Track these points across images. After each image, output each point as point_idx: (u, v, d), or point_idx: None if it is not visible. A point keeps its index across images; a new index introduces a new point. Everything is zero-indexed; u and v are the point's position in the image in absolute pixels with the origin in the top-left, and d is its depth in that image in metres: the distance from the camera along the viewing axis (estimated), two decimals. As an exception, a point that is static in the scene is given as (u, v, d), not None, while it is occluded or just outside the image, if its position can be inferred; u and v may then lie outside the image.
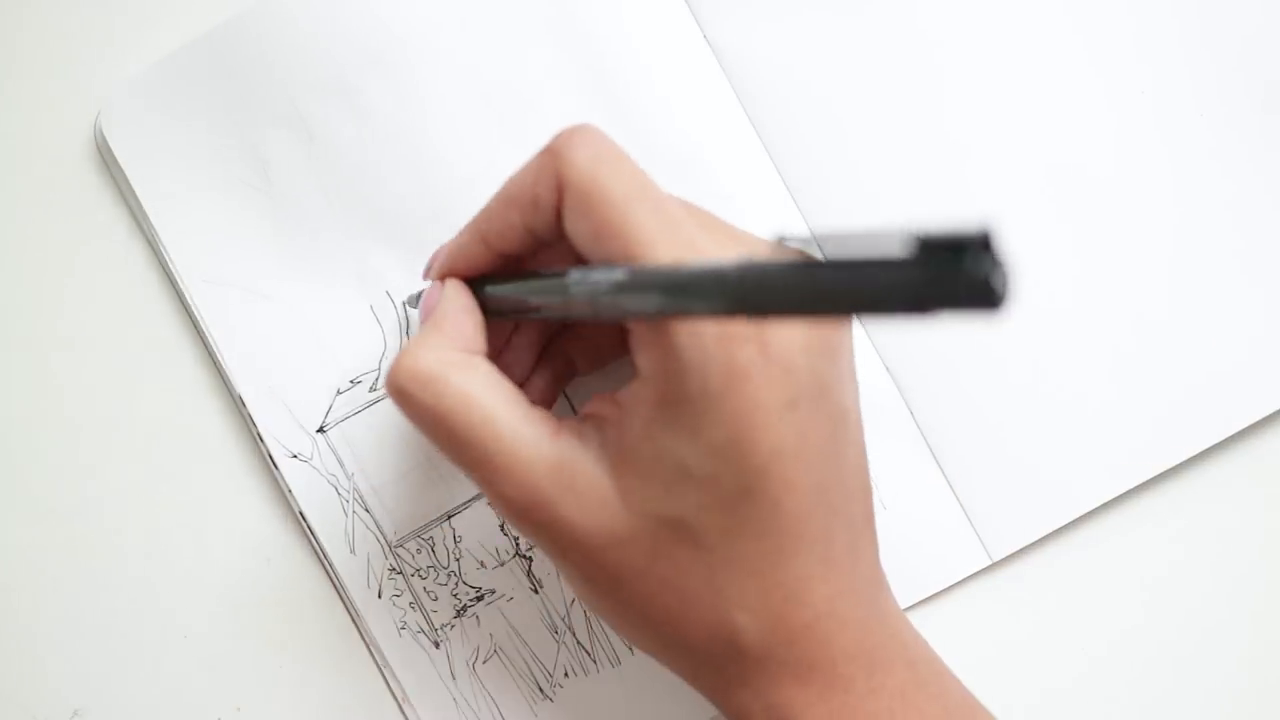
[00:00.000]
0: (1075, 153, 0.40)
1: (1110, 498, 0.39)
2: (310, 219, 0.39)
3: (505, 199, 0.32)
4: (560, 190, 0.30)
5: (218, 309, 0.38)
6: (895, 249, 0.21)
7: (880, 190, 0.39)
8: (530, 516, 0.31)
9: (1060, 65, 0.40)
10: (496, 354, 0.35)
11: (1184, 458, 0.39)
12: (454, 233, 0.38)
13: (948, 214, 0.39)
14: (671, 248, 0.29)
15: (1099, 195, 0.40)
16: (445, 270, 0.34)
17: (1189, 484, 0.39)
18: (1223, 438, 0.39)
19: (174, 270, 0.39)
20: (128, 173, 0.39)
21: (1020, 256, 0.39)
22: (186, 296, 0.39)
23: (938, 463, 0.39)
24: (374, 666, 0.39)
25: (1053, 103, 0.40)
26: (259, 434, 0.38)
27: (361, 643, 0.39)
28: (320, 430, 0.38)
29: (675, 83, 0.39)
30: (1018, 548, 0.39)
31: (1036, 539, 0.39)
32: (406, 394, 0.31)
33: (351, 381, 0.39)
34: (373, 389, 0.39)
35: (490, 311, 0.33)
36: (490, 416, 0.30)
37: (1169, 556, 0.40)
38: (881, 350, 0.39)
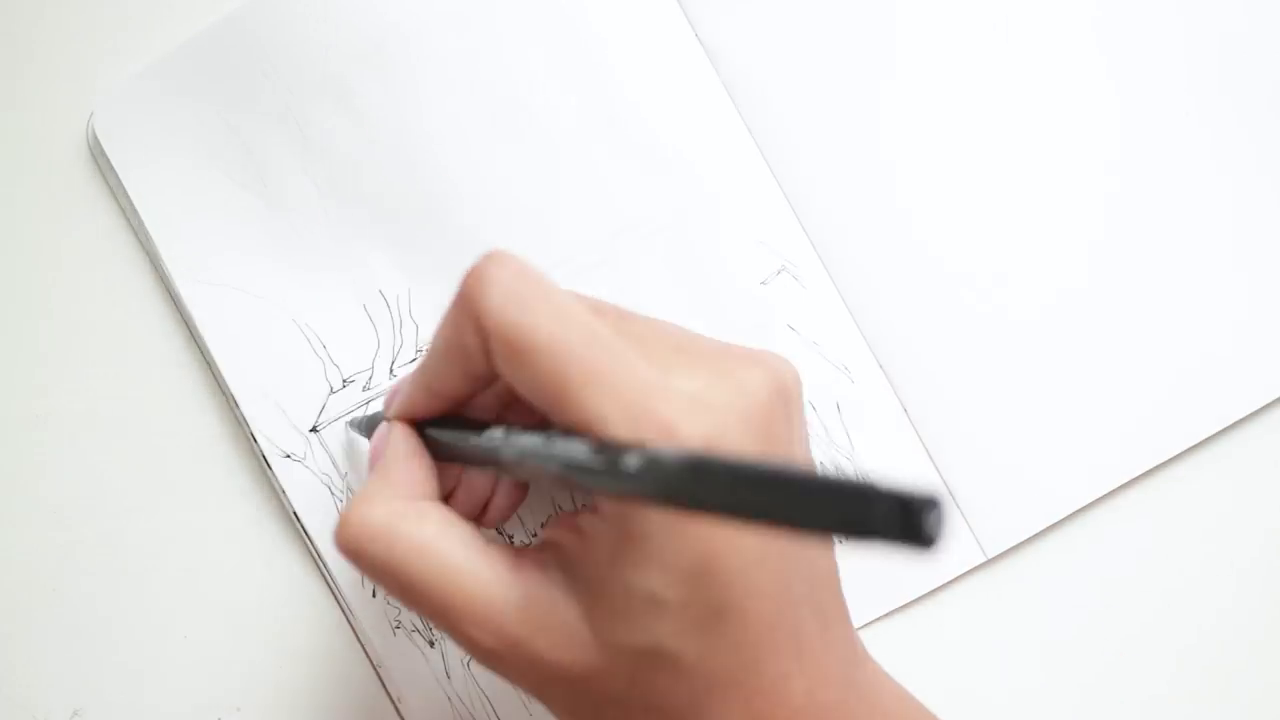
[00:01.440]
0: (1067, 152, 0.39)
1: (1104, 493, 0.39)
2: (304, 219, 0.39)
3: (437, 350, 0.31)
4: (485, 338, 0.29)
5: (211, 309, 0.39)
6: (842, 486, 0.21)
7: (873, 189, 0.39)
8: (503, 660, 0.30)
9: (1052, 63, 0.40)
10: (453, 484, 0.34)
11: (1177, 452, 0.39)
12: (447, 233, 0.38)
13: (941, 218, 0.39)
14: (616, 398, 0.28)
15: (1093, 194, 0.39)
16: (395, 414, 0.33)
17: (1184, 479, 0.39)
18: (1215, 432, 0.39)
19: (167, 271, 0.39)
20: (120, 173, 0.39)
21: (1016, 256, 0.39)
22: (179, 297, 0.39)
23: (932, 459, 0.39)
24: (369, 666, 0.39)
25: (1046, 101, 0.40)
26: (252, 434, 0.38)
27: (356, 642, 0.39)
28: (313, 430, 0.39)
29: (667, 82, 0.39)
30: (1012, 544, 0.39)
31: (1031, 535, 0.39)
32: (357, 550, 0.30)
33: (344, 381, 0.39)
34: (366, 389, 0.39)
35: (442, 457, 0.33)
36: (447, 564, 0.30)
37: (1164, 552, 0.39)
38: (874, 347, 0.39)
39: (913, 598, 0.39)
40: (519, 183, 0.39)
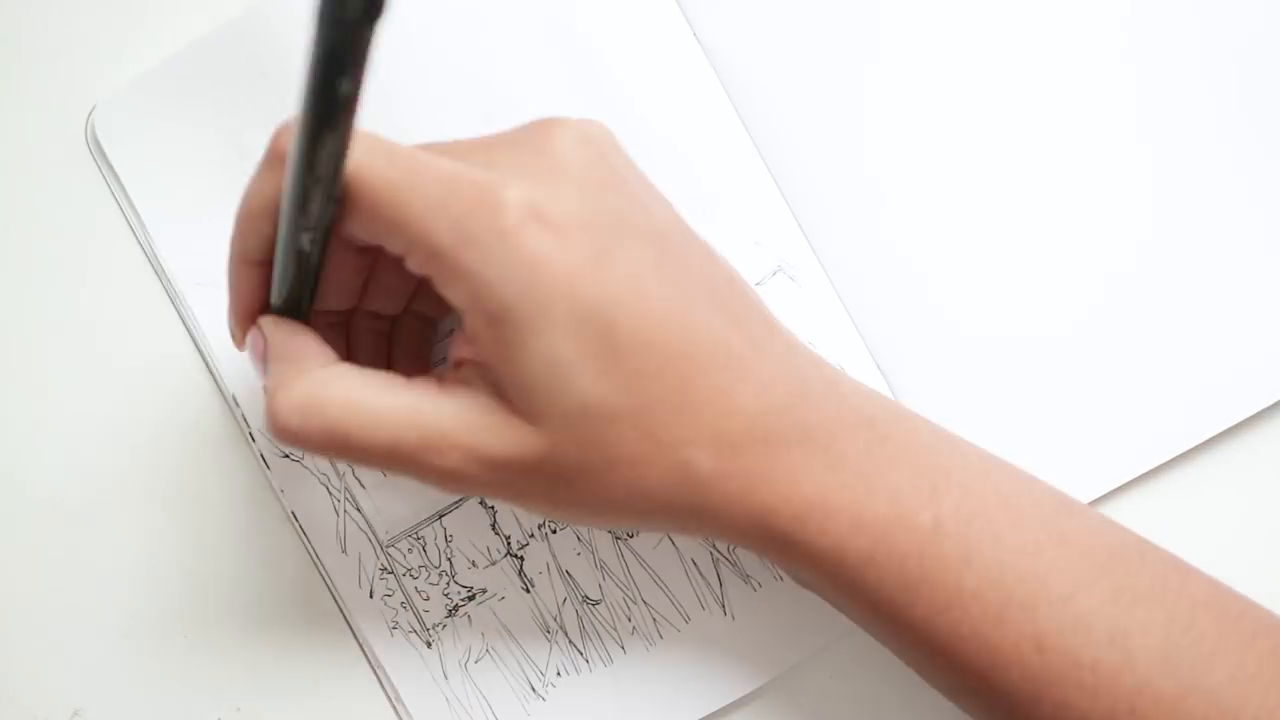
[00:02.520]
0: (1065, 152, 0.39)
1: (1103, 494, 0.39)
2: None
3: (251, 214, 0.32)
4: None
5: (210, 310, 0.39)
6: None
7: (870, 189, 0.39)
8: (467, 475, 0.31)
9: (1048, 60, 0.40)
10: (350, 352, 0.35)
11: (1178, 453, 0.39)
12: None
13: (936, 208, 0.39)
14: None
15: (1091, 194, 0.39)
16: (242, 315, 0.33)
17: (1184, 480, 0.39)
18: (1218, 433, 0.39)
19: (166, 271, 0.39)
20: (120, 176, 0.39)
21: (1014, 256, 0.39)
22: (178, 298, 0.39)
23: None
24: (367, 666, 0.39)
25: (1045, 98, 0.39)
26: (250, 434, 0.39)
27: (355, 643, 0.39)
28: (311, 430, 0.39)
29: (665, 81, 0.39)
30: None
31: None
32: (292, 430, 0.31)
33: (342, 381, 0.39)
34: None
35: (295, 313, 0.33)
36: (380, 411, 0.31)
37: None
38: (871, 347, 0.39)
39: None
40: (516, 184, 0.39)
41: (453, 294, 0.30)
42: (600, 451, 0.30)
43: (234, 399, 0.39)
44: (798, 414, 0.31)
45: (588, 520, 0.33)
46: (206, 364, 0.39)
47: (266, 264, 0.32)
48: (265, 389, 0.32)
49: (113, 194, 0.39)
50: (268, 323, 0.33)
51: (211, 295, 0.39)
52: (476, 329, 0.30)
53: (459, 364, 0.31)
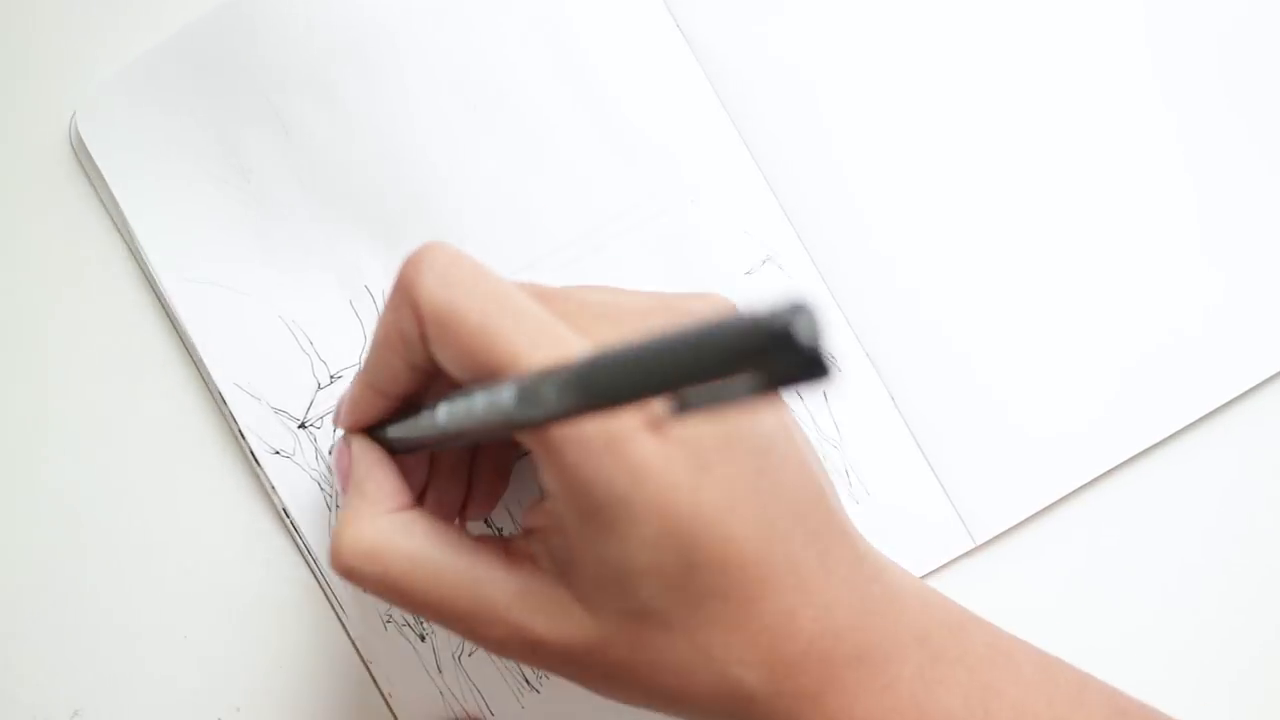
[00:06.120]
0: (1051, 139, 0.39)
1: (1092, 479, 0.39)
2: (287, 214, 0.39)
3: (379, 344, 0.32)
4: (420, 322, 0.30)
5: (196, 306, 0.39)
6: (730, 325, 0.21)
7: (857, 178, 0.39)
8: (511, 648, 0.31)
9: (1031, 49, 0.40)
10: (425, 483, 0.35)
11: (1166, 437, 0.39)
12: (431, 226, 0.38)
13: (935, 200, 0.39)
14: (540, 355, 0.28)
15: (1078, 182, 0.39)
16: (349, 424, 0.34)
17: (1173, 464, 0.39)
18: (1204, 416, 0.39)
19: (151, 268, 0.39)
20: (103, 171, 0.39)
21: (1002, 243, 0.39)
22: (164, 294, 0.39)
23: (919, 447, 0.39)
24: (360, 661, 0.39)
25: (1028, 89, 0.40)
26: (240, 432, 0.39)
27: (347, 638, 0.39)
28: (302, 426, 0.39)
29: (651, 73, 0.39)
30: (1001, 530, 0.39)
31: (1020, 521, 0.39)
32: (354, 572, 0.31)
33: (332, 377, 0.39)
34: (352, 384, 0.39)
35: (402, 451, 0.33)
36: (441, 572, 0.31)
37: (1153, 537, 0.39)
38: (860, 336, 0.39)
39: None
40: (503, 176, 0.39)
41: (548, 476, 0.29)
42: (649, 655, 0.30)
43: (222, 396, 0.39)
44: (856, 636, 0.30)
45: (625, 702, 0.32)
46: (194, 361, 0.39)
47: (388, 396, 0.32)
48: (337, 513, 0.32)
49: (96, 190, 0.39)
50: (359, 446, 0.33)
51: (197, 290, 0.39)
52: (559, 512, 0.29)
53: (527, 532, 0.31)
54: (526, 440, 0.30)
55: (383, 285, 0.39)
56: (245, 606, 0.39)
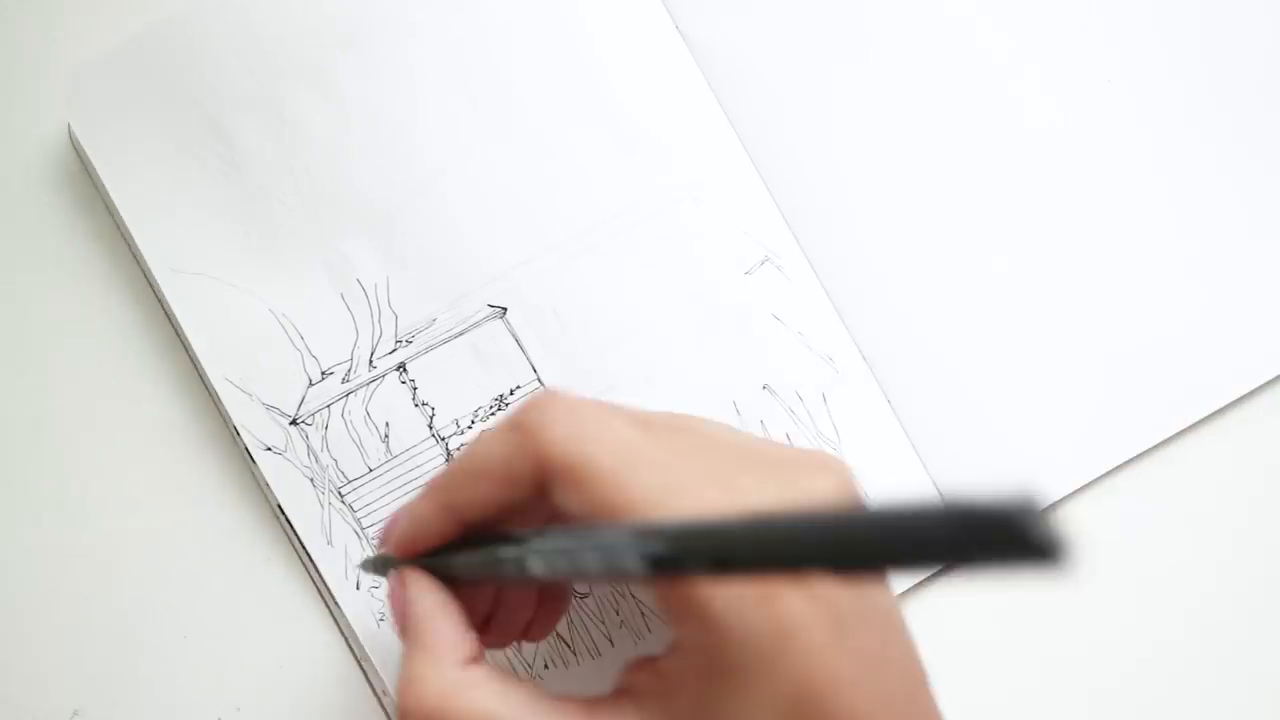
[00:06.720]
0: (1048, 141, 0.39)
1: (1089, 481, 0.39)
2: (280, 206, 0.39)
3: (473, 472, 0.31)
4: (541, 468, 0.29)
5: (189, 299, 0.38)
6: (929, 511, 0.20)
7: (855, 179, 0.39)
8: None
9: (1029, 53, 0.39)
10: (489, 613, 0.34)
11: (1162, 439, 0.38)
12: (425, 222, 0.38)
13: (929, 223, 0.39)
14: (678, 509, 0.27)
15: (1074, 184, 0.39)
16: (406, 545, 0.32)
17: (1168, 466, 0.39)
18: (1200, 419, 0.38)
19: (144, 260, 0.39)
20: (95, 162, 0.38)
21: (999, 246, 0.39)
22: (157, 286, 0.39)
23: (915, 449, 0.39)
24: (353, 660, 0.39)
25: (1025, 89, 0.39)
26: (234, 427, 0.39)
27: (341, 636, 0.39)
28: (294, 422, 0.39)
29: (650, 72, 0.39)
30: (1000, 533, 0.38)
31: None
32: None
33: (323, 373, 0.39)
34: (345, 380, 0.39)
35: (460, 580, 0.32)
36: None
37: (1149, 539, 0.39)
38: (857, 338, 0.39)
39: (898, 591, 0.38)
40: (500, 171, 0.39)
41: (683, 629, 0.28)
42: None
43: (215, 390, 0.39)
44: None
45: None
46: (188, 354, 0.39)
47: (463, 523, 0.31)
48: (401, 666, 0.31)
49: (89, 181, 0.39)
50: (415, 588, 0.32)
51: (189, 282, 0.38)
52: (684, 669, 0.29)
53: (623, 693, 0.30)
54: (658, 590, 0.29)
55: (375, 280, 0.39)
56: (247, 605, 0.39)
